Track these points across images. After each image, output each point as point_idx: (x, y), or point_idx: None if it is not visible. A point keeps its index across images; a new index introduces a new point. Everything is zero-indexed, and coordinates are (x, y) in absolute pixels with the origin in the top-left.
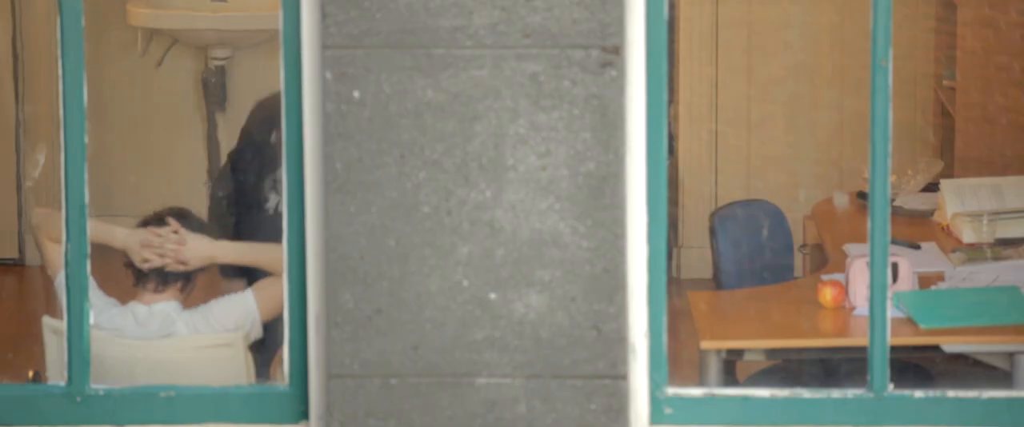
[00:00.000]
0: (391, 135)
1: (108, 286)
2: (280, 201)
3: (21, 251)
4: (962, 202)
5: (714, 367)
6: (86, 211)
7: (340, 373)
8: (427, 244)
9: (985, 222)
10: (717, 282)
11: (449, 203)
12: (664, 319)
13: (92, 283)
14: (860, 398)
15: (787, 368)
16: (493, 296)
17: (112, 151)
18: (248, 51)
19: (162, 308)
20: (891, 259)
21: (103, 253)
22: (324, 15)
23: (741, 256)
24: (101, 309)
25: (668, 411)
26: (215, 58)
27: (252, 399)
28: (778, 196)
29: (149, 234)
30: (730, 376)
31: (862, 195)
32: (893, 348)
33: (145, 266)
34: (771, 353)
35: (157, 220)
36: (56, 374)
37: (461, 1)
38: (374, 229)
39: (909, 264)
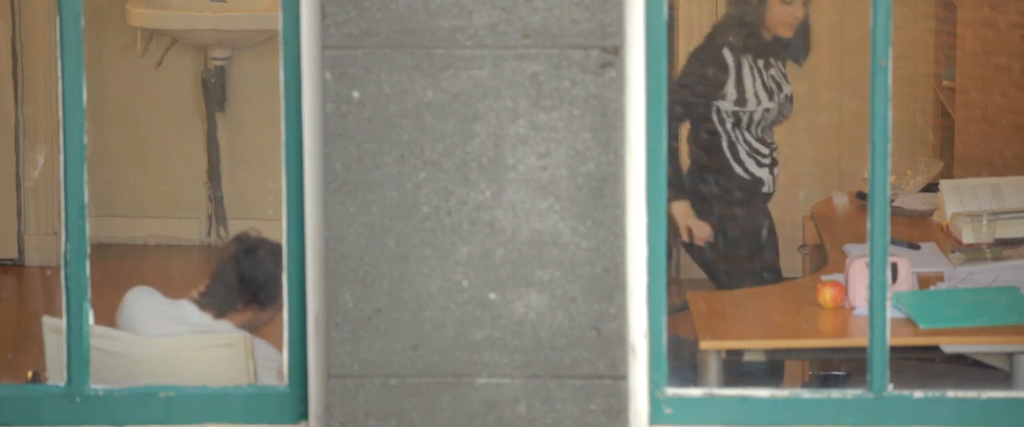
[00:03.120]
0: (391, 135)
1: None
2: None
3: (21, 251)
4: (962, 202)
5: (714, 367)
6: (86, 211)
7: (340, 373)
8: (427, 244)
9: (985, 222)
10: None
11: (449, 203)
12: (664, 319)
13: (150, 290)
14: (860, 398)
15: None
16: (493, 296)
17: (112, 151)
18: (248, 51)
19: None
20: (891, 259)
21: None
22: (324, 15)
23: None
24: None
25: (668, 411)
26: (215, 58)
27: (252, 399)
28: (778, 196)
29: None
30: (730, 376)
31: (862, 195)
32: (893, 348)
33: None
34: (771, 353)
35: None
36: (56, 374)
37: (461, 1)
38: (374, 229)
39: (909, 264)
